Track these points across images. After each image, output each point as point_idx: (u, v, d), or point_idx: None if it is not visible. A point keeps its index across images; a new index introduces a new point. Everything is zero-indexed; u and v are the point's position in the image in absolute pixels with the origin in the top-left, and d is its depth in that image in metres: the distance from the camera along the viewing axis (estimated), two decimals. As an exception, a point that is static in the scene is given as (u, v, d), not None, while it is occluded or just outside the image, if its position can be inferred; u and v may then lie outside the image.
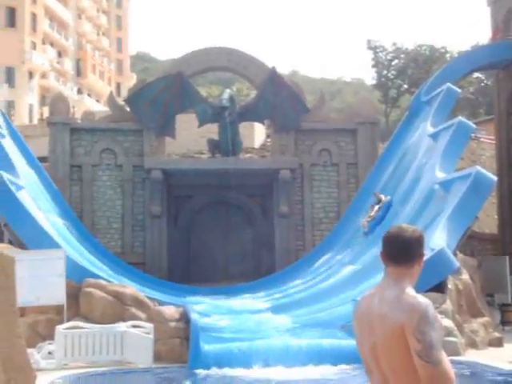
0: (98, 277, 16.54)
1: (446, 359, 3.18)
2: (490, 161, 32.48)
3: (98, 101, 65.69)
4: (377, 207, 22.52)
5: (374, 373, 3.44)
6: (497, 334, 15.91)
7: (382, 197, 22.69)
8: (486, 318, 16.10)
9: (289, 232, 27.32)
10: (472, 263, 18.41)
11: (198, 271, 26.96)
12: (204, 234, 27.63)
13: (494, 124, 29.61)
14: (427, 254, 16.01)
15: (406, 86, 50.42)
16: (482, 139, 36.42)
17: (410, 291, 3.35)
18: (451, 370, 3.18)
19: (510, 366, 12.46)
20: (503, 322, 19.18)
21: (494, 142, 31.99)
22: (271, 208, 27.55)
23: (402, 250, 3.46)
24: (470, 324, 15.42)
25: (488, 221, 30.85)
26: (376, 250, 21.40)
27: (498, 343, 15.49)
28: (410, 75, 48.71)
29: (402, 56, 50.43)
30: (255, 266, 27.23)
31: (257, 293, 21.68)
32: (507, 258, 20.72)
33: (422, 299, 3.30)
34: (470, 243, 23.70)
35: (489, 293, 20.96)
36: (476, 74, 48.90)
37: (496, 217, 29.84)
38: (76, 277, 15.80)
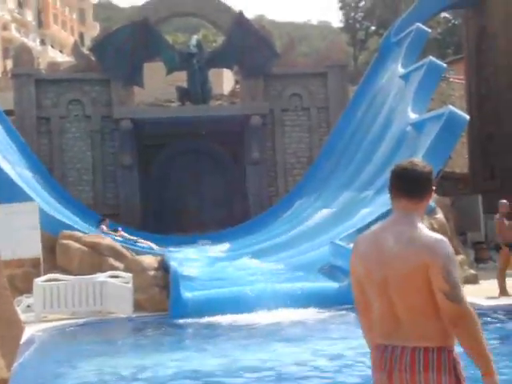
0: (74, 228, 16.40)
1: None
2: (459, 101, 32.51)
3: (61, 51, 64.35)
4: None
5: (378, 310, 3.36)
6: (472, 272, 16.09)
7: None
8: (461, 256, 16.23)
9: (261, 179, 27.25)
10: (445, 202, 18.47)
11: (172, 220, 26.83)
12: (176, 183, 27.47)
13: (464, 63, 29.60)
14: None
15: (373, 28, 50.12)
16: (451, 79, 36.39)
17: (425, 228, 3.30)
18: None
19: (488, 302, 12.63)
20: (477, 260, 19.40)
21: (463, 81, 32.02)
22: (243, 155, 27.41)
23: (415, 183, 3.38)
24: (445, 262, 15.55)
25: (458, 161, 31.06)
26: (348, 193, 21.46)
27: (473, 280, 15.67)
28: (377, 16, 48.37)
29: (369, -4, 50.16)
30: (229, 214, 27.19)
31: (232, 240, 21.66)
32: (480, 196, 20.88)
33: (442, 237, 3.26)
34: (441, 183, 23.82)
35: (461, 231, 21.18)
36: (443, 14, 48.62)
37: (466, 156, 30.05)
38: (51, 229, 15.60)
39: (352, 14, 50.26)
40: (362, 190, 20.71)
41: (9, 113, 25.53)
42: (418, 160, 3.51)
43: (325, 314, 12.20)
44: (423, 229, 3.30)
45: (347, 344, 9.82)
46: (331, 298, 12.25)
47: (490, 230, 21.30)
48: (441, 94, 34.32)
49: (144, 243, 19.81)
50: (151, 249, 18.81)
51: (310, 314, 12.31)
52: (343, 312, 11.77)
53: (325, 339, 10.47)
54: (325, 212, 21.24)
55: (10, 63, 42.38)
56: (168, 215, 27.07)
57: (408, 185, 3.38)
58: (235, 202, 27.50)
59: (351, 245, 11.64)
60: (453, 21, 52.26)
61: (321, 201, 23.04)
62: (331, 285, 12.96)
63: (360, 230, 15.26)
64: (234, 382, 8.15)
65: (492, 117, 26.36)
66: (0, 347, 3.38)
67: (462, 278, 15.67)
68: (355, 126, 25.36)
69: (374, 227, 3.53)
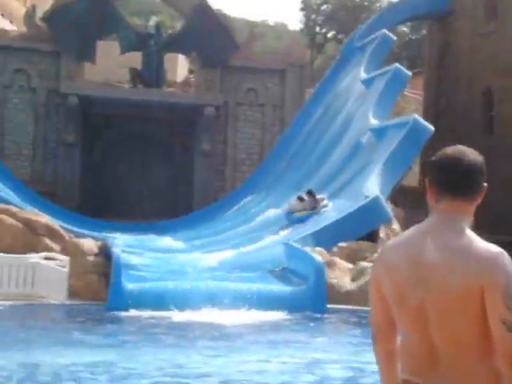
0: (8, 202, 15.21)
1: None
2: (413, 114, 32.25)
3: (11, 22, 62.11)
4: (306, 212, 18.00)
5: (408, 340, 2.56)
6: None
7: (319, 204, 18.17)
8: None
9: (209, 171, 26.38)
10: (401, 214, 17.92)
11: (112, 206, 25.68)
12: (120, 167, 26.34)
13: (424, 76, 29.27)
14: (360, 202, 15.43)
15: (333, 33, 49.69)
16: (405, 93, 36.19)
17: (478, 238, 2.48)
18: None
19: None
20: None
21: (417, 96, 31.77)
22: (192, 145, 26.49)
23: (469, 176, 2.53)
24: (399, 275, 14.92)
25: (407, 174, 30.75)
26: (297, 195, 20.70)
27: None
28: (338, 22, 47.91)
29: (331, 1, 49.52)
30: (172, 205, 26.19)
31: (177, 231, 20.71)
32: (433, 210, 20.39)
33: (502, 250, 2.44)
34: (390, 195, 23.39)
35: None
36: (401, 28, 48.51)
37: (416, 170, 29.74)
38: (-18, 201, 14.44)
39: (313, 17, 49.69)
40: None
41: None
42: (465, 147, 2.68)
43: (274, 317, 11.39)
44: (476, 238, 2.48)
45: (289, 352, 9.08)
46: (281, 302, 11.45)
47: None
48: (395, 106, 34.04)
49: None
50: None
51: (256, 316, 11.48)
52: (295, 317, 11.01)
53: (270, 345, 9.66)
54: (273, 212, 20.47)
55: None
56: (108, 200, 25.89)
57: (459, 179, 2.53)
58: (180, 193, 26.52)
59: (306, 247, 10.80)
60: (410, 35, 52.22)
61: (269, 200, 22.31)
62: (284, 288, 12.15)
63: (315, 234, 14.58)
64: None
65: (447, 133, 25.99)
66: None
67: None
68: (310, 127, 24.76)
69: (405, 233, 2.66)
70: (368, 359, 7.41)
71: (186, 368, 8.02)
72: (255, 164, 26.48)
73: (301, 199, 18.36)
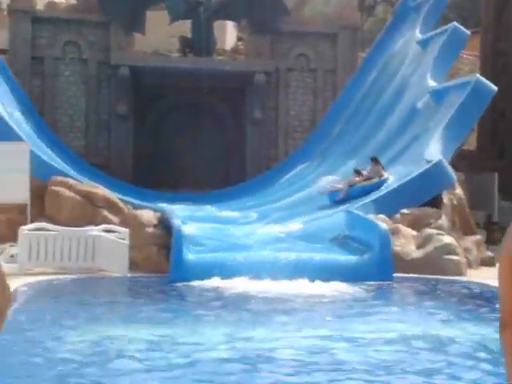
0: (66, 175, 15.12)
1: None
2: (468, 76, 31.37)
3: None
4: (375, 180, 16.60)
5: None
6: (489, 253, 15.04)
7: (384, 173, 16.82)
8: (478, 237, 15.23)
9: (261, 139, 26.00)
10: (461, 178, 17.35)
11: (164, 176, 25.51)
12: (172, 137, 26.10)
13: (480, 35, 28.35)
14: (423, 167, 14.96)
15: (383, -5, 48.60)
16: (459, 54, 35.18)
17: None
18: None
19: None
20: (488, 242, 18.32)
21: (471, 57, 30.86)
22: (244, 113, 26.10)
23: None
24: (463, 242, 14.48)
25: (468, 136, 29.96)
26: (353, 162, 20.26)
27: (490, 263, 14.60)
28: (388, -17, 46.81)
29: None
30: (224, 174, 25.94)
31: (231, 201, 20.48)
32: (496, 174, 19.78)
33: None
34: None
35: (472, 211, 20.08)
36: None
37: (475, 132, 28.95)
38: (41, 174, 14.31)
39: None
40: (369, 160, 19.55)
41: (3, 52, 24.08)
42: None
43: (338, 289, 11.08)
44: None
45: (370, 324, 8.76)
46: (349, 272, 11.13)
47: (501, 211, 20.22)
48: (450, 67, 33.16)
49: None
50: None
51: (319, 286, 11.17)
52: (365, 287, 10.69)
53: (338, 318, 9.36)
54: (329, 178, 20.08)
55: (5, 1, 40.55)
56: (161, 170, 25.73)
57: None
58: (232, 162, 26.24)
59: (370, 215, 10.38)
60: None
61: (324, 167, 21.94)
62: (349, 257, 11.82)
63: (377, 201, 14.20)
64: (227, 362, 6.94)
65: (506, 94, 25.14)
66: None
67: (479, 259, 14.71)
68: (364, 91, 24.17)
69: None
70: (451, 331, 7.10)
71: (254, 341, 7.78)
72: (307, 131, 26.00)
73: (358, 172, 17.80)
